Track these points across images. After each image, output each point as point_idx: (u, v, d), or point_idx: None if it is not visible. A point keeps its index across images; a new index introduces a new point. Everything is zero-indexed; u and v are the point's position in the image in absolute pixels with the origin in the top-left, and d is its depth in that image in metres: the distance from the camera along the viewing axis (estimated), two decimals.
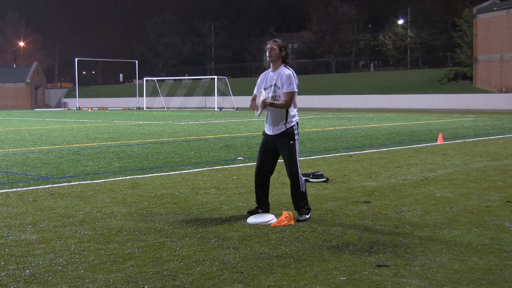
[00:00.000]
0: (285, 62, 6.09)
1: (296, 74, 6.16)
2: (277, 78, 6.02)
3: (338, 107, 48.55)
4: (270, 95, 6.04)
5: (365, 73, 68.56)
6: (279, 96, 6.00)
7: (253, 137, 17.05)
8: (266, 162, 6.23)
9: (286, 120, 6.02)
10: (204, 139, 16.54)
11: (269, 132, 6.14)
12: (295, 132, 6.08)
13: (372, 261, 4.53)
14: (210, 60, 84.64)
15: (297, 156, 6.10)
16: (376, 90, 51.60)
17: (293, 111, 6.08)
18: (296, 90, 6.01)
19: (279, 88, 6.00)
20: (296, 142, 6.09)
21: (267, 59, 6.06)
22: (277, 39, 6.11)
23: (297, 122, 6.14)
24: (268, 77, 6.14)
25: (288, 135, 6.03)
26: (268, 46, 6.06)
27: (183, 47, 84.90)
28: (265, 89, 6.11)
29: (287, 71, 6.01)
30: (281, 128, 6.03)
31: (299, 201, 6.09)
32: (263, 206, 6.30)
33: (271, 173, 6.32)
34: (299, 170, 6.10)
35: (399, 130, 19.57)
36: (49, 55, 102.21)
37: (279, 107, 5.98)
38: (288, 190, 7.68)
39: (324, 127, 21.87)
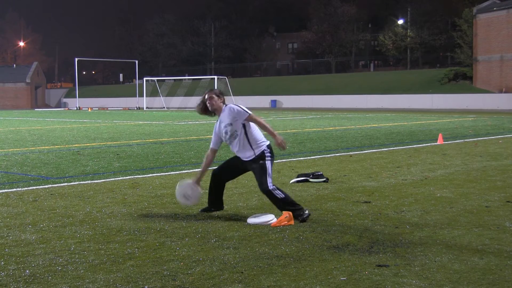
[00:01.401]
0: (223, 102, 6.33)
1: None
2: (225, 118, 6.18)
3: (338, 107, 48.55)
4: (229, 135, 6.17)
5: (365, 73, 68.54)
6: (237, 131, 6.12)
7: None
8: (227, 171, 6.39)
9: (253, 149, 6.14)
10: (204, 139, 16.54)
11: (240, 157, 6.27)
12: (266, 154, 6.14)
13: (372, 261, 4.53)
14: (210, 60, 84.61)
15: (268, 174, 6.06)
16: (376, 90, 51.60)
17: (258, 139, 6.16)
18: (248, 112, 6.12)
19: (231, 124, 6.12)
20: (267, 160, 6.11)
21: (213, 111, 6.27)
22: (212, 89, 6.37)
23: (267, 145, 6.20)
24: (220, 123, 6.28)
25: (259, 158, 6.12)
26: (207, 99, 6.25)
27: (183, 47, 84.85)
28: (225, 133, 6.20)
29: (226, 108, 6.22)
30: (250, 156, 6.14)
31: (284, 206, 5.99)
32: (215, 208, 6.46)
33: (228, 181, 6.49)
34: (269, 186, 5.99)
35: (399, 130, 19.57)
36: (49, 55, 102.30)
37: (265, 129, 6.13)
38: (288, 190, 7.69)
39: (324, 127, 21.87)
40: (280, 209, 6.05)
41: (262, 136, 6.26)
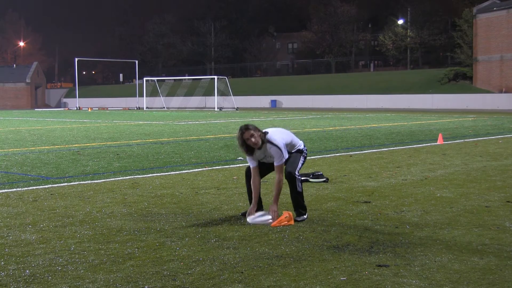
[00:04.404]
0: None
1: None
2: (272, 153, 5.98)
3: (338, 107, 48.55)
4: (268, 158, 6.09)
5: (365, 73, 68.57)
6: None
7: None
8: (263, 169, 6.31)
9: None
10: (204, 139, 16.54)
11: None
12: (304, 150, 6.36)
13: (372, 261, 4.53)
14: (210, 60, 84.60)
15: (300, 163, 6.27)
16: (376, 90, 51.62)
17: (295, 149, 6.30)
18: (284, 159, 6.07)
19: (272, 157, 6.02)
20: (303, 155, 6.32)
21: (257, 148, 5.95)
22: (247, 126, 5.94)
23: (303, 145, 6.41)
24: (261, 154, 6.07)
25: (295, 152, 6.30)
26: (247, 138, 5.88)
27: (183, 47, 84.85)
28: (265, 157, 6.12)
29: (273, 147, 5.94)
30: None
31: (297, 197, 6.15)
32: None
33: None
34: (296, 172, 6.15)
35: (399, 130, 19.57)
36: (49, 55, 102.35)
37: (276, 190, 6.01)
38: (288, 190, 7.70)
39: (324, 127, 21.87)
40: (292, 199, 6.13)
41: (298, 140, 6.31)
